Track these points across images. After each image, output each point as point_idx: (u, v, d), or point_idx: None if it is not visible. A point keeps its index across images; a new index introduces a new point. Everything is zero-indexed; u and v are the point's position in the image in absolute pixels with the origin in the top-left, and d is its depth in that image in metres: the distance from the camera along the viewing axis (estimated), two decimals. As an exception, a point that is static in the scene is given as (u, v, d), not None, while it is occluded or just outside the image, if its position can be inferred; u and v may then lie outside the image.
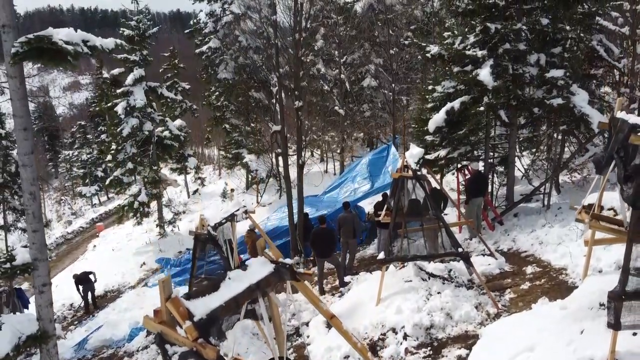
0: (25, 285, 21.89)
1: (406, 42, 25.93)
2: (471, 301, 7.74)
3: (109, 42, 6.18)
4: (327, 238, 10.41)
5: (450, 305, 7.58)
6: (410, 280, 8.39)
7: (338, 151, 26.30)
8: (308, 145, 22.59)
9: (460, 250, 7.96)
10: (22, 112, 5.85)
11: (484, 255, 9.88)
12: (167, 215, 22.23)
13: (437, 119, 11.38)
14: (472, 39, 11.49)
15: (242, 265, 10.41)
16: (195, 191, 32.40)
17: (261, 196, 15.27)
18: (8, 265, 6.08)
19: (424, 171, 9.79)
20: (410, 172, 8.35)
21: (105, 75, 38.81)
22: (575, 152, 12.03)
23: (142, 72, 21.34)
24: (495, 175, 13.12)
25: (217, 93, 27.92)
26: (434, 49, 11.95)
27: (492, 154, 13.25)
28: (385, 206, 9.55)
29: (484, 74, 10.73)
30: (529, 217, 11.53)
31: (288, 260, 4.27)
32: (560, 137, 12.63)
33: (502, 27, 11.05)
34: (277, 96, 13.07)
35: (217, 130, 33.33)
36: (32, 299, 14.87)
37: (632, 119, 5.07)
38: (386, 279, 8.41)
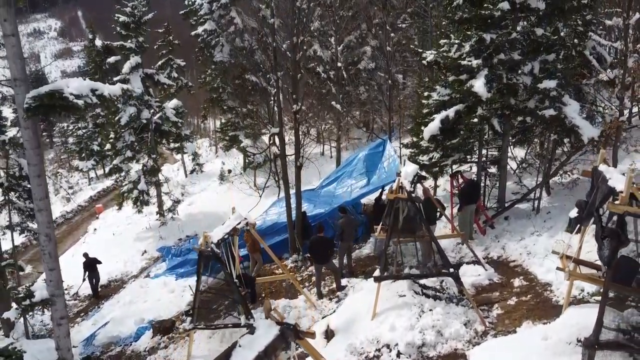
0: (29, 268, 22.50)
1: (403, 26, 25.86)
2: (460, 318, 8.24)
3: (117, 90, 6.41)
4: (325, 246, 10.85)
5: (441, 323, 8.08)
6: (404, 295, 8.87)
7: (335, 134, 26.49)
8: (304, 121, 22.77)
9: (451, 270, 8.40)
10: (36, 160, 6.14)
11: (474, 264, 10.35)
12: (167, 202, 22.59)
13: (432, 127, 11.66)
14: (467, 47, 11.66)
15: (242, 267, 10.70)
16: (193, 171, 32.68)
17: (261, 195, 15.59)
18: (28, 302, 6.49)
19: (419, 191, 10.11)
20: (405, 194, 8.71)
21: (98, 42, 38.17)
22: (564, 160, 12.37)
23: (138, 59, 21.32)
24: (487, 177, 13.49)
25: (213, 75, 27.90)
26: (430, 55, 12.13)
27: (484, 151, 13.61)
28: (381, 224, 9.94)
29: (479, 85, 10.97)
30: (519, 222, 11.99)
31: (291, 321, 4.67)
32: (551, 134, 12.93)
33: (498, 36, 11.23)
34: (275, 99, 13.25)
35: (212, 109, 33.41)
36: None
37: (613, 179, 5.42)
38: (381, 291, 8.88)
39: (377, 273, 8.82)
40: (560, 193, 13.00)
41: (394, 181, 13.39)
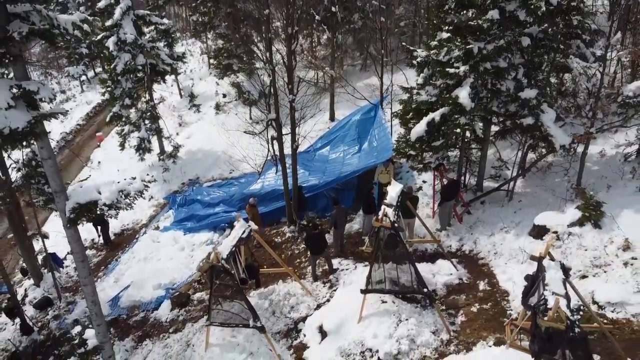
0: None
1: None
2: (430, 327, 10.01)
3: (139, 186, 7.40)
4: (319, 240, 12.35)
5: (414, 332, 9.85)
6: (386, 302, 10.58)
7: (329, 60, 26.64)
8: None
9: (425, 290, 10.00)
10: (79, 249, 7.36)
11: (449, 260, 11.95)
12: (167, 147, 23.52)
13: (418, 129, 12.54)
14: (456, 52, 12.11)
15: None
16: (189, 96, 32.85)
17: (260, 172, 16.51)
18: (82, 349, 8.05)
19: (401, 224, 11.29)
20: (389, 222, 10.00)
21: None
22: (538, 159, 13.44)
23: (128, 2, 20.85)
24: (469, 165, 14.61)
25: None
26: (419, 57, 12.60)
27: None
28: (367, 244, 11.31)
29: (464, 95, 11.71)
30: (493, 209, 13.42)
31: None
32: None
33: (487, 43, 11.69)
34: (271, 88, 13.83)
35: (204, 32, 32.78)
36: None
37: (549, 286, 6.72)
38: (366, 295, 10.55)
39: (362, 286, 10.42)
40: (534, 177, 14.23)
41: (384, 162, 14.61)
